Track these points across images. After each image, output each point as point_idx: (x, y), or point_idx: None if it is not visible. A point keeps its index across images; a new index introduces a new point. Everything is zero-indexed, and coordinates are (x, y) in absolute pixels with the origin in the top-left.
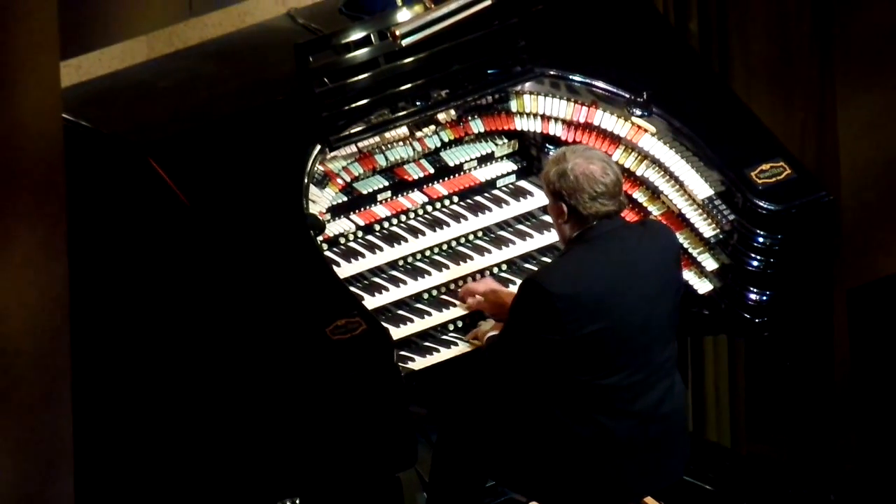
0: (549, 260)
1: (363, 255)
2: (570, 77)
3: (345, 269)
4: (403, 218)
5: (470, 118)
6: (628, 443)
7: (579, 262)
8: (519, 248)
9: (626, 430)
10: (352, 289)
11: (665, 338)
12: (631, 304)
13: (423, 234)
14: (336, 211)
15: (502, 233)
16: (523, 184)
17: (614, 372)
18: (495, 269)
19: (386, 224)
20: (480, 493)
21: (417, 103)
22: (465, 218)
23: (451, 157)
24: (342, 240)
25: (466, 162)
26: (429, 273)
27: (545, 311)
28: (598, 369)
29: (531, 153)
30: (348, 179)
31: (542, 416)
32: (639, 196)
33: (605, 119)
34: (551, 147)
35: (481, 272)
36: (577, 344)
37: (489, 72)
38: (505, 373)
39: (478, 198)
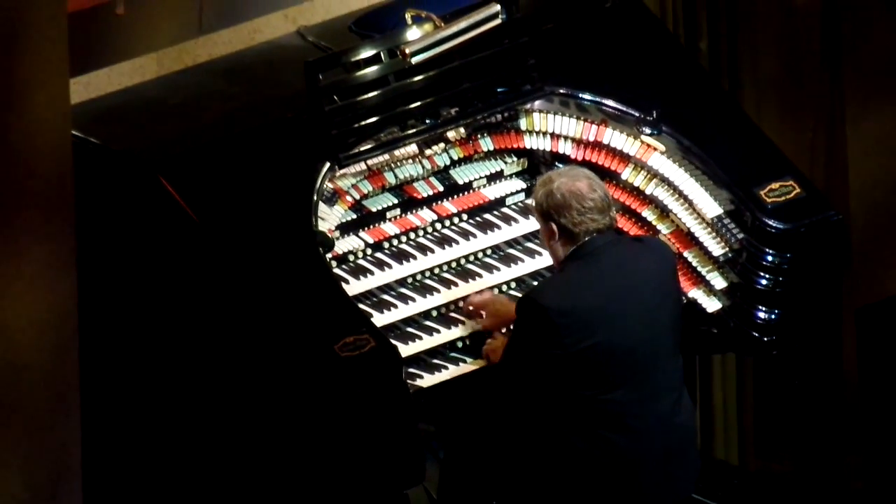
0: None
1: (372, 273)
2: (580, 95)
3: (353, 287)
4: (412, 235)
5: (479, 136)
6: (637, 458)
7: (575, 278)
8: (528, 265)
9: (634, 444)
10: (360, 306)
11: (668, 351)
12: (630, 317)
13: (432, 251)
14: (345, 228)
15: (511, 250)
16: (532, 202)
17: (617, 386)
18: (504, 287)
19: (395, 241)
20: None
21: (427, 121)
22: (474, 235)
23: (461, 175)
24: (351, 257)
25: (476, 180)
26: (437, 290)
27: (543, 326)
28: (600, 384)
29: (540, 171)
30: (357, 197)
31: (550, 434)
32: (647, 214)
33: (615, 137)
34: (561, 165)
35: (490, 290)
36: (578, 358)
37: (499, 90)
38: (511, 391)
39: (487, 215)
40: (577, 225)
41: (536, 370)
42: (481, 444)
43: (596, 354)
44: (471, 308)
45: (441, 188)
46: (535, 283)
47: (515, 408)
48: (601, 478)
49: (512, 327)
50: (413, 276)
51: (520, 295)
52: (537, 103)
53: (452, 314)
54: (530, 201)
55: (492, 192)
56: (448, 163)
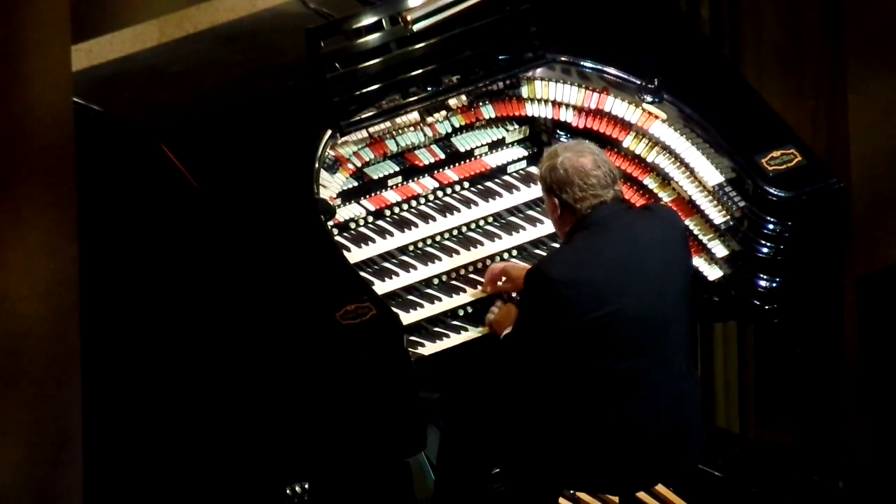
0: (558, 246)
1: (373, 241)
2: (581, 63)
3: (355, 255)
4: (414, 203)
5: (481, 104)
6: (648, 425)
7: (581, 249)
8: (529, 233)
9: (646, 412)
10: (362, 274)
11: (679, 318)
12: (639, 285)
13: (434, 219)
14: (347, 196)
15: (513, 218)
16: (534, 170)
17: (629, 355)
18: (505, 255)
19: (396, 209)
20: (487, 478)
21: (428, 88)
22: (476, 203)
23: (462, 143)
24: (353, 225)
25: (477, 147)
26: (439, 258)
27: (551, 298)
28: (612, 353)
29: (542, 139)
30: (359, 164)
31: (563, 404)
32: (649, 182)
33: (616, 105)
34: (562, 133)
35: (491, 258)
36: (588, 329)
37: (500, 57)
38: (522, 363)
39: (488, 183)
40: (579, 201)
41: (546, 342)
42: (484, 412)
43: (605, 324)
44: (494, 275)
45: (442, 156)
46: (539, 252)
47: (524, 377)
48: (614, 445)
49: (520, 300)
50: (414, 243)
51: (522, 265)
52: (539, 71)
53: (454, 282)
54: (532, 169)
55: (493, 159)
56: (449, 130)
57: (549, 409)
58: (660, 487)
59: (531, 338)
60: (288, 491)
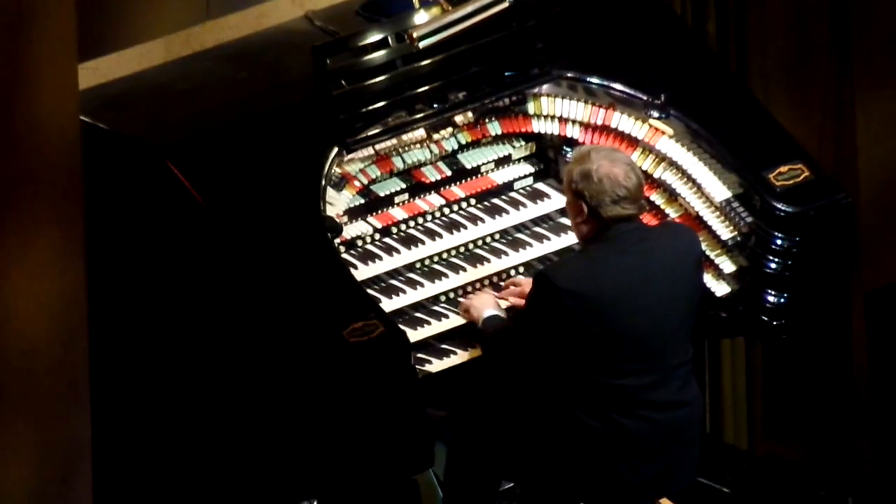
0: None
1: (380, 258)
2: (588, 79)
3: (362, 272)
4: (420, 220)
5: (487, 120)
6: (643, 443)
7: (593, 262)
8: (536, 250)
9: (642, 430)
10: (369, 291)
11: (679, 341)
12: (645, 307)
13: (440, 236)
14: (353, 213)
15: (519, 235)
16: (540, 186)
17: (627, 373)
18: (512, 272)
19: (403, 226)
20: (496, 492)
21: (435, 105)
22: (483, 220)
23: (469, 160)
24: (359, 242)
25: (484, 164)
26: (446, 275)
27: (552, 305)
28: (610, 369)
29: (548, 155)
30: (365, 182)
31: (557, 413)
32: (656, 198)
33: (623, 121)
34: (569, 149)
35: (498, 275)
36: (587, 342)
37: (506, 74)
38: (513, 359)
39: (495, 200)
40: (608, 212)
41: (539, 344)
42: (487, 426)
43: (606, 341)
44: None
45: (449, 173)
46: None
47: (518, 380)
48: (608, 459)
49: (527, 297)
50: (421, 260)
51: None
52: (545, 87)
53: (461, 299)
54: (539, 186)
55: (500, 176)
56: (456, 147)
57: (544, 417)
58: (664, 502)
59: (527, 338)
60: None
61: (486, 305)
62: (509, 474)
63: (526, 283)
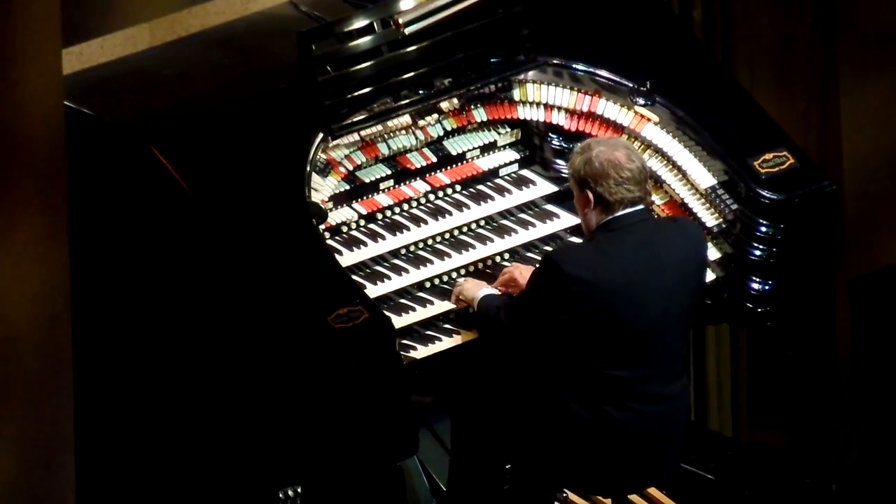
0: (550, 249)
1: (365, 244)
2: (574, 66)
3: (347, 258)
4: (406, 207)
5: (473, 107)
6: (632, 435)
7: (602, 250)
8: (521, 237)
9: (631, 421)
10: (354, 277)
11: (677, 337)
12: (648, 300)
13: (426, 222)
14: (338, 199)
15: (505, 222)
16: (526, 173)
17: (623, 365)
18: (497, 259)
19: (388, 213)
20: (502, 476)
21: (420, 92)
22: (468, 207)
23: (454, 146)
24: (344, 228)
25: (469, 151)
26: (431, 262)
27: (558, 290)
28: (606, 359)
29: (534, 142)
30: (351, 168)
31: (548, 398)
32: None
33: (608, 108)
34: (554, 136)
35: (483, 261)
36: (587, 330)
37: (492, 60)
38: (514, 338)
39: (480, 187)
40: (614, 194)
41: (541, 327)
42: (489, 411)
43: (606, 331)
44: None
45: (434, 159)
46: (532, 256)
47: (519, 361)
48: (596, 448)
49: (530, 277)
50: (406, 247)
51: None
52: (531, 74)
53: (446, 285)
54: (524, 172)
55: (485, 162)
56: (441, 133)
57: (540, 401)
58: (652, 490)
59: (528, 319)
60: (280, 495)
61: (479, 286)
62: (514, 457)
63: (517, 270)
